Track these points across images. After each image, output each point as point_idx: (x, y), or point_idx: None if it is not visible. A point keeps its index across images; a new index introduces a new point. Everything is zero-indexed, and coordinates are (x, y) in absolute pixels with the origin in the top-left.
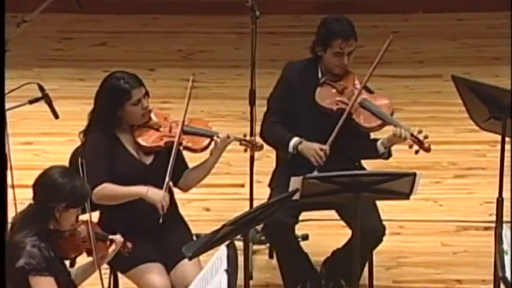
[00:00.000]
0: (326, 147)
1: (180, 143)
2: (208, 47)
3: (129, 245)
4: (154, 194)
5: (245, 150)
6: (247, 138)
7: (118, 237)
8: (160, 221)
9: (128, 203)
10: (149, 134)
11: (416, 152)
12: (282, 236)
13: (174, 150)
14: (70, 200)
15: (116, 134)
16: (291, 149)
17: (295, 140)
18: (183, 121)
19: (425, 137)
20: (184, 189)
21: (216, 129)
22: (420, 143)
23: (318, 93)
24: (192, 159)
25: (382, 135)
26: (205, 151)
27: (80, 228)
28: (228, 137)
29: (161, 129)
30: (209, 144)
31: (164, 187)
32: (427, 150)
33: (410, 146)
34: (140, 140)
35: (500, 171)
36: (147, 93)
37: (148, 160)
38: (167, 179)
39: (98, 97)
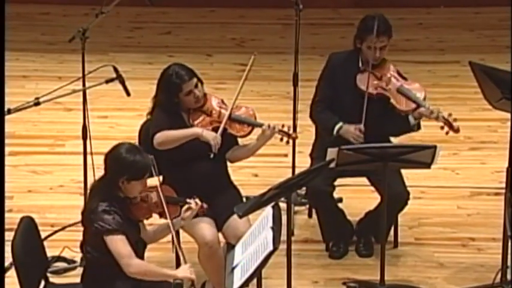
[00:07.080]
0: (360, 126)
1: (225, 129)
2: (258, 36)
3: (205, 205)
4: (209, 134)
5: (281, 140)
6: (285, 129)
7: (193, 202)
8: (211, 156)
9: (185, 170)
10: (201, 118)
11: (447, 133)
12: (322, 200)
13: (218, 133)
14: (130, 173)
15: (177, 112)
16: (335, 133)
17: (337, 126)
18: (231, 110)
19: (455, 119)
20: (231, 161)
21: (260, 116)
22: (450, 125)
23: (359, 79)
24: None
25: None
26: (246, 137)
27: (151, 194)
28: (269, 127)
29: (213, 113)
30: (250, 132)
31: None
32: (457, 131)
33: (442, 128)
34: (193, 123)
35: (510, 144)
36: (200, 82)
37: None
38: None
39: (158, 86)
